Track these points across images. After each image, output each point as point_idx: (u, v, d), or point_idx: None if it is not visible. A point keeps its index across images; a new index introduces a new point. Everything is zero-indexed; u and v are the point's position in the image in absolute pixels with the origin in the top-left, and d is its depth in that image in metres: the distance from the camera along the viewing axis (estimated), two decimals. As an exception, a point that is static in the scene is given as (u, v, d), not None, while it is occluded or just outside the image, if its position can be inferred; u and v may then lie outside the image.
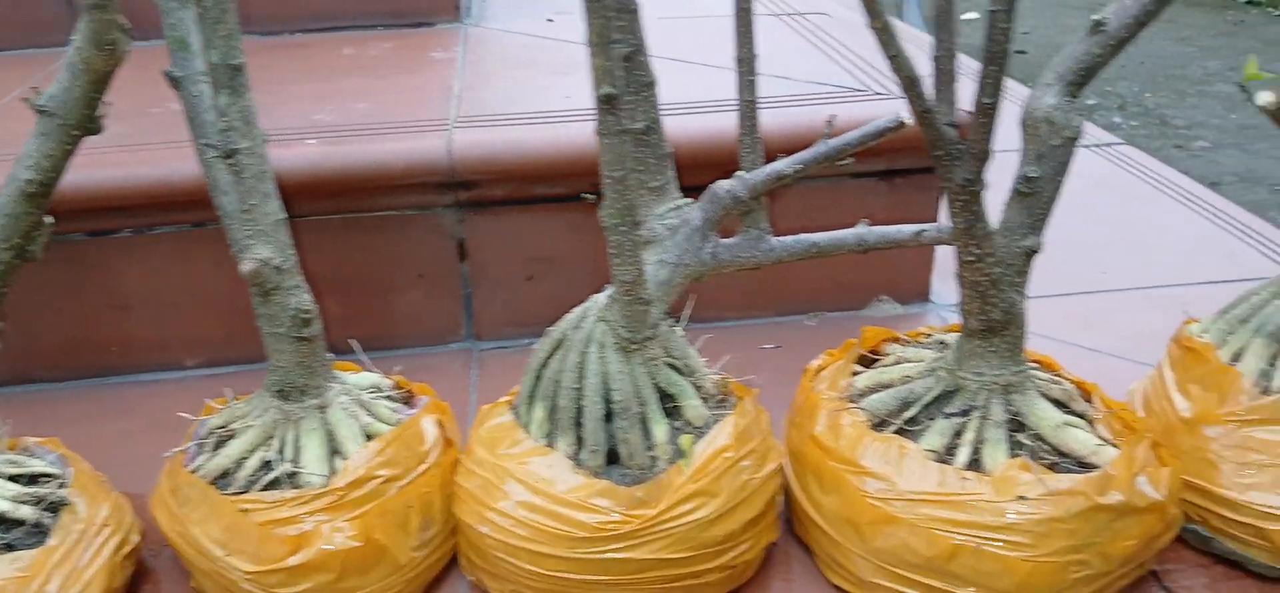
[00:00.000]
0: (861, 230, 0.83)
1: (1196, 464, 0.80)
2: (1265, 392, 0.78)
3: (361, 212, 1.05)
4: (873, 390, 0.82)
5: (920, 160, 1.13)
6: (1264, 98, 0.66)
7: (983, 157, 0.66)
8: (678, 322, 0.82)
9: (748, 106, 0.75)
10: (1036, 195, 0.71)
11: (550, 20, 1.52)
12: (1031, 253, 0.73)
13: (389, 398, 0.85)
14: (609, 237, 0.70)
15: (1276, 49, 3.37)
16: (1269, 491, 0.76)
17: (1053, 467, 0.73)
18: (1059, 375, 0.83)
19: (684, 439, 0.74)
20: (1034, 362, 0.86)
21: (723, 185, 0.74)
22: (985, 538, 0.70)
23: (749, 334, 1.15)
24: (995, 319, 0.74)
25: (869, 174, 1.12)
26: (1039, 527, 0.69)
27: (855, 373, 0.85)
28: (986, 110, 0.64)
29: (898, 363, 0.85)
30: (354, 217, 1.05)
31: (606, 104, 0.65)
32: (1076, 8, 3.99)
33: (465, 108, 1.13)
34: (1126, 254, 1.32)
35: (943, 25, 0.65)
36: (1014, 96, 1.81)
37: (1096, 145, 1.70)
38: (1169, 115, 2.72)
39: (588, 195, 0.72)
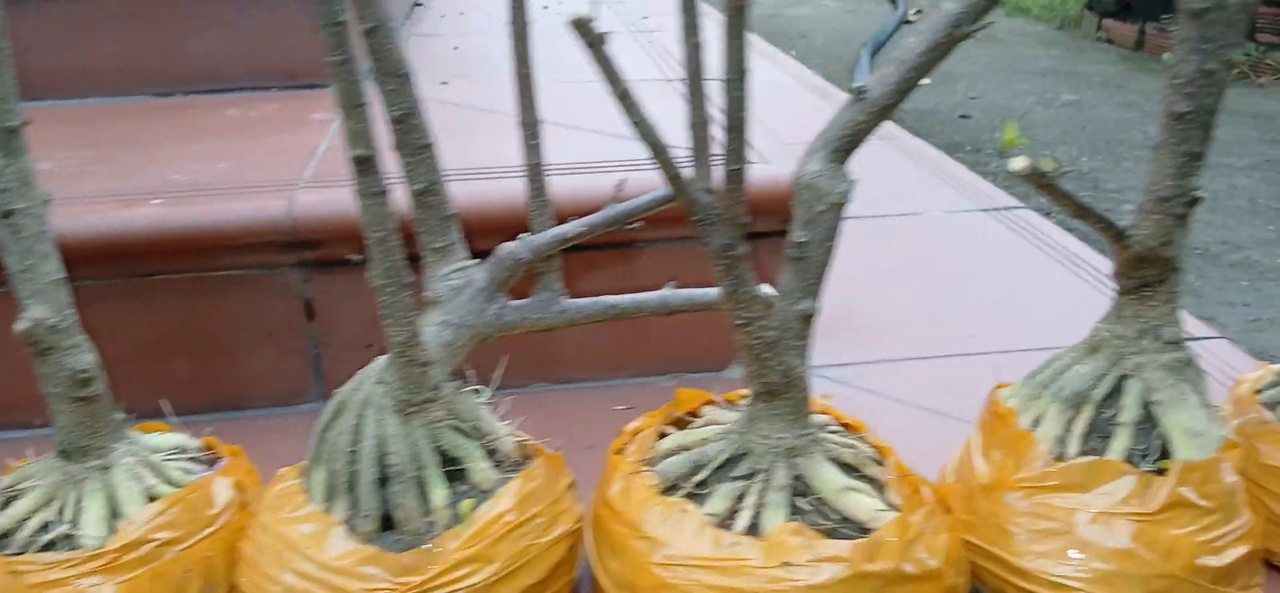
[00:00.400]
0: (666, 293, 0.83)
1: (992, 531, 0.79)
2: (1060, 458, 0.78)
3: (207, 271, 1.05)
4: (673, 454, 0.81)
5: (777, 222, 1.13)
6: (1017, 164, 0.66)
7: (737, 222, 0.66)
8: (485, 385, 0.82)
9: (533, 170, 0.75)
10: (807, 261, 0.71)
11: (444, 83, 1.54)
12: (807, 317, 0.73)
13: (192, 459, 0.84)
14: (378, 297, 0.70)
15: (1222, 113, 3.41)
16: (1058, 559, 0.75)
17: (832, 532, 0.73)
18: (862, 438, 0.83)
19: (464, 504, 0.74)
20: (842, 425, 0.86)
21: (506, 247, 0.75)
22: (752, 605, 0.69)
23: (604, 396, 1.15)
24: (774, 383, 0.74)
25: (674, 239, 1.13)
26: (803, 593, 0.69)
27: (664, 435, 0.85)
28: (734, 177, 0.65)
29: (707, 425, 0.85)
30: (201, 276, 1.06)
31: (360, 166, 0.65)
32: (1027, 73, 4.04)
33: (325, 168, 1.14)
34: (1001, 319, 1.33)
35: (694, 95, 0.66)
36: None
37: (995, 210, 1.72)
38: (1102, 179, 2.75)
39: (353, 258, 0.72)
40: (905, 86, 0.68)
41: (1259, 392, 0.90)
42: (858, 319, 1.32)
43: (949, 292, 1.41)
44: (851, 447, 0.80)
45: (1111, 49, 4.66)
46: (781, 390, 0.74)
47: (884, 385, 1.16)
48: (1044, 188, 0.68)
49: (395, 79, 0.69)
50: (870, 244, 1.57)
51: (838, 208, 0.70)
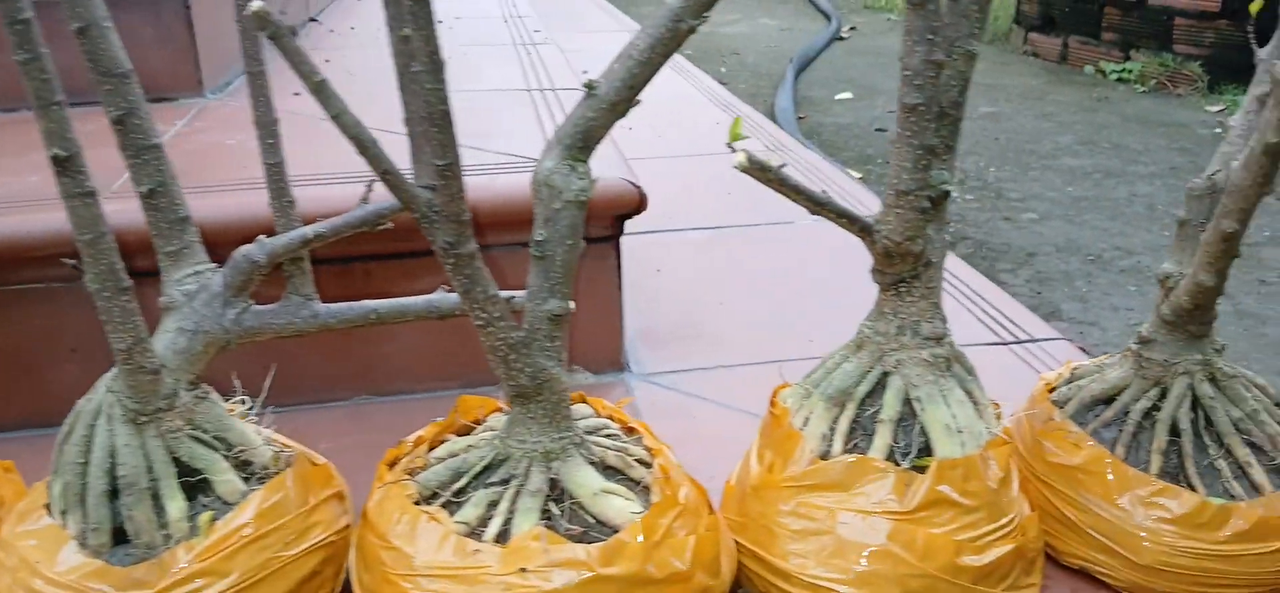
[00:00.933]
0: (436, 297, 0.81)
1: (757, 532, 0.78)
2: (825, 456, 0.77)
3: (8, 285, 1.02)
4: (440, 462, 0.79)
5: (600, 229, 1.12)
6: (737, 160, 0.65)
7: (457, 219, 0.65)
8: (252, 398, 0.80)
9: (272, 169, 0.73)
10: (550, 259, 0.70)
11: (296, 94, 1.51)
12: (556, 317, 0.72)
13: (-50, 477, 0.81)
14: (96, 302, 0.67)
15: (1132, 123, 3.45)
16: (818, 561, 0.74)
17: (583, 536, 0.71)
18: (639, 440, 0.82)
19: (203, 517, 0.71)
20: (626, 428, 0.84)
21: (242, 250, 0.73)
22: (488, 612, 0.67)
23: (432, 407, 1.12)
24: (524, 385, 0.72)
25: (519, 244, 1.11)
26: (537, 600, 0.67)
27: (436, 445, 0.83)
28: (446, 172, 0.63)
29: (486, 432, 0.83)
30: (1, 290, 1.02)
31: (59, 166, 0.63)
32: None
33: (140, 179, 1.11)
34: (846, 325, 1.32)
35: (405, 87, 0.64)
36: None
37: (868, 216, 1.72)
38: (1007, 189, 2.77)
39: (67, 261, 0.69)
40: (635, 82, 0.67)
41: (1052, 389, 0.90)
42: (702, 327, 1.31)
43: (800, 299, 1.40)
44: (620, 450, 0.78)
45: (1037, 62, 4.72)
46: (533, 393, 0.73)
47: (714, 391, 1.15)
48: (768, 181, 0.67)
49: (112, 79, 0.67)
50: (736, 253, 1.57)
51: (576, 205, 0.69)
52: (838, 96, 4.03)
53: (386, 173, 0.63)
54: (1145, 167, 2.98)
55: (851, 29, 5.77)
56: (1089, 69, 4.42)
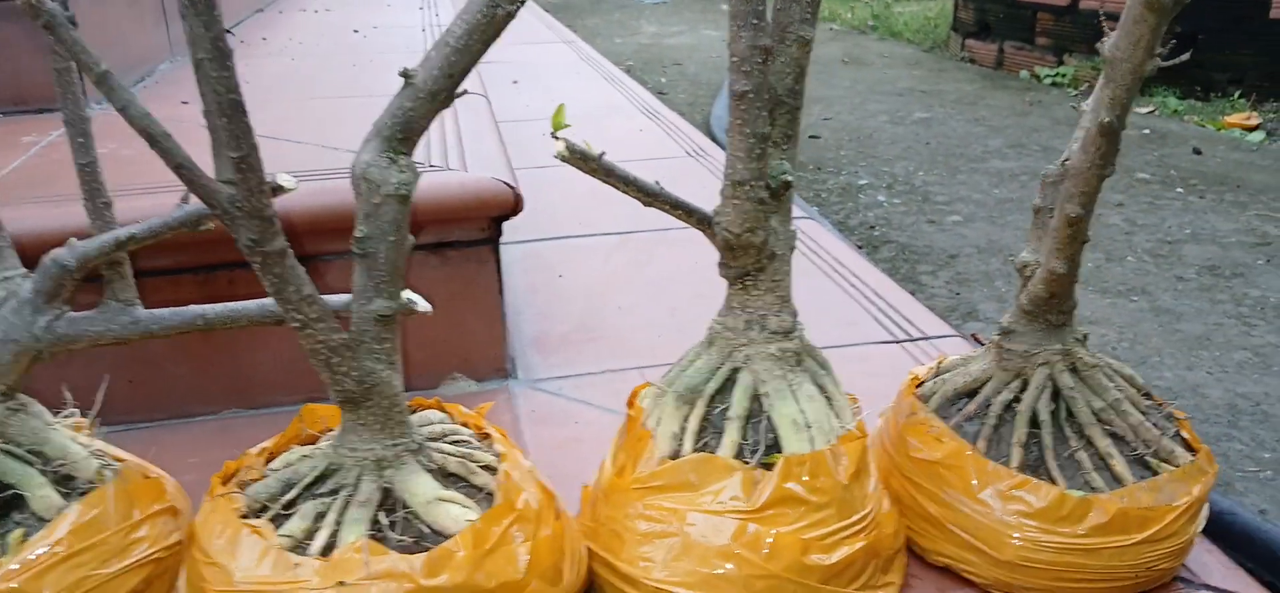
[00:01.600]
0: (268, 302, 0.78)
1: (607, 536, 0.75)
2: (675, 456, 0.75)
3: None
4: (274, 474, 0.76)
5: (476, 232, 1.09)
6: (557, 149, 0.63)
7: (260, 215, 0.62)
8: (87, 411, 0.76)
9: (84, 170, 0.70)
10: (373, 256, 0.67)
11: (185, 102, 1.47)
12: (383, 318, 0.69)
13: None
14: (-121, 313, 0.63)
15: (1062, 125, 3.49)
16: (663, 564, 0.72)
17: (416, 545, 0.68)
18: (490, 445, 0.79)
19: (14, 535, 0.68)
20: (481, 435, 0.82)
21: (51, 254, 0.69)
22: (307, 629, 0.64)
23: (305, 419, 1.09)
24: (350, 390, 0.69)
25: (419, 247, 1.08)
26: (358, 614, 0.64)
27: (276, 456, 0.79)
28: (242, 165, 0.60)
29: (328, 441, 0.80)
30: None
31: None
32: (885, 94, 4.10)
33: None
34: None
35: (204, 80, 0.61)
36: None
37: (778, 219, 1.70)
38: (934, 193, 2.78)
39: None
40: (453, 70, 0.64)
41: (920, 384, 0.89)
42: (598, 331, 1.29)
43: (701, 301, 1.38)
44: (464, 456, 0.76)
45: (973, 68, 4.77)
46: (362, 399, 0.70)
47: (601, 396, 1.13)
48: (591, 171, 0.65)
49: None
50: (643, 256, 1.55)
51: (397, 199, 0.66)
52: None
53: (180, 167, 0.60)
54: (1072, 168, 3.01)
55: (794, 38, 5.79)
56: (1024, 74, 4.47)
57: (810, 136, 3.43)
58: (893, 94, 4.10)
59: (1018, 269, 0.82)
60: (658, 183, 0.69)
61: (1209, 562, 0.84)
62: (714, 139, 3.16)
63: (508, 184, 1.07)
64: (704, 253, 1.57)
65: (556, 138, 0.64)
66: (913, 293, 2.04)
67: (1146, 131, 3.41)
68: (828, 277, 1.46)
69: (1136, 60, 0.66)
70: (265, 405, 1.10)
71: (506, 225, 1.10)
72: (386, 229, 0.67)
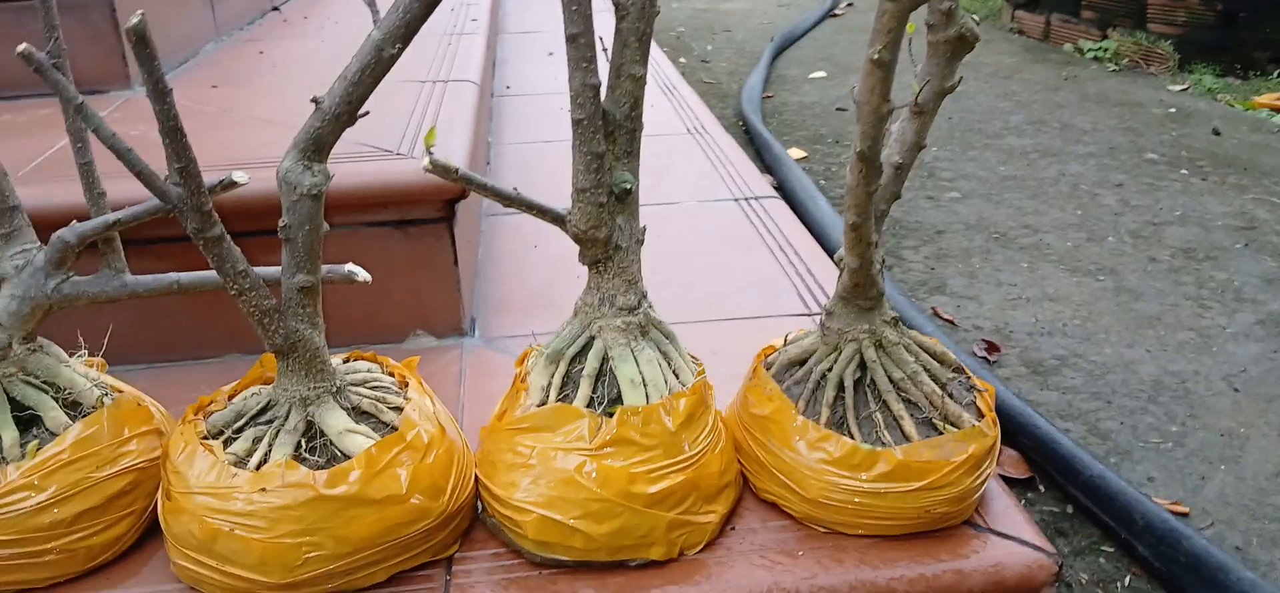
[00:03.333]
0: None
1: (488, 466, 0.95)
2: (542, 404, 0.94)
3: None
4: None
5: (433, 211, 1.29)
6: (425, 163, 0.82)
7: (200, 210, 0.82)
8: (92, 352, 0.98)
9: (82, 168, 0.91)
10: (294, 241, 0.87)
11: (214, 86, 1.69)
12: (305, 288, 0.89)
13: None
14: (-69, 275, 0.86)
15: (1090, 102, 3.53)
16: (524, 489, 0.91)
17: (328, 465, 0.89)
18: (404, 390, 0.99)
19: (31, 444, 0.90)
20: (402, 382, 1.01)
21: (57, 233, 0.91)
22: (235, 522, 0.85)
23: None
24: (278, 344, 0.89)
25: (384, 223, 1.28)
26: (272, 513, 0.84)
27: (238, 391, 1.00)
28: (183, 172, 0.80)
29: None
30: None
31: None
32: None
33: (46, 165, 1.30)
34: (692, 298, 1.48)
35: (157, 94, 0.81)
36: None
37: (747, 199, 1.87)
38: (941, 169, 2.88)
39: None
40: (351, 99, 0.83)
41: (769, 354, 1.06)
42: (556, 297, 1.48)
43: (657, 274, 1.56)
44: (377, 398, 0.96)
45: (1020, 40, 4.78)
46: (289, 351, 0.90)
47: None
48: (456, 180, 0.83)
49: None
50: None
51: (310, 197, 0.85)
52: (811, 75, 4.14)
53: (139, 173, 0.80)
54: (1084, 147, 3.08)
55: (849, 4, 5.85)
56: (1068, 47, 4.48)
57: (837, 109, 3.54)
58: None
59: (835, 263, 0.98)
60: (515, 189, 0.87)
61: (998, 509, 0.99)
62: (743, 118, 3.31)
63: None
64: (667, 232, 1.74)
65: (428, 152, 0.83)
66: (890, 268, 2.19)
67: (1172, 110, 3.44)
68: (772, 253, 1.62)
69: (874, 105, 0.81)
70: (258, 351, 1.32)
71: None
72: (303, 220, 0.86)
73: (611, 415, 0.91)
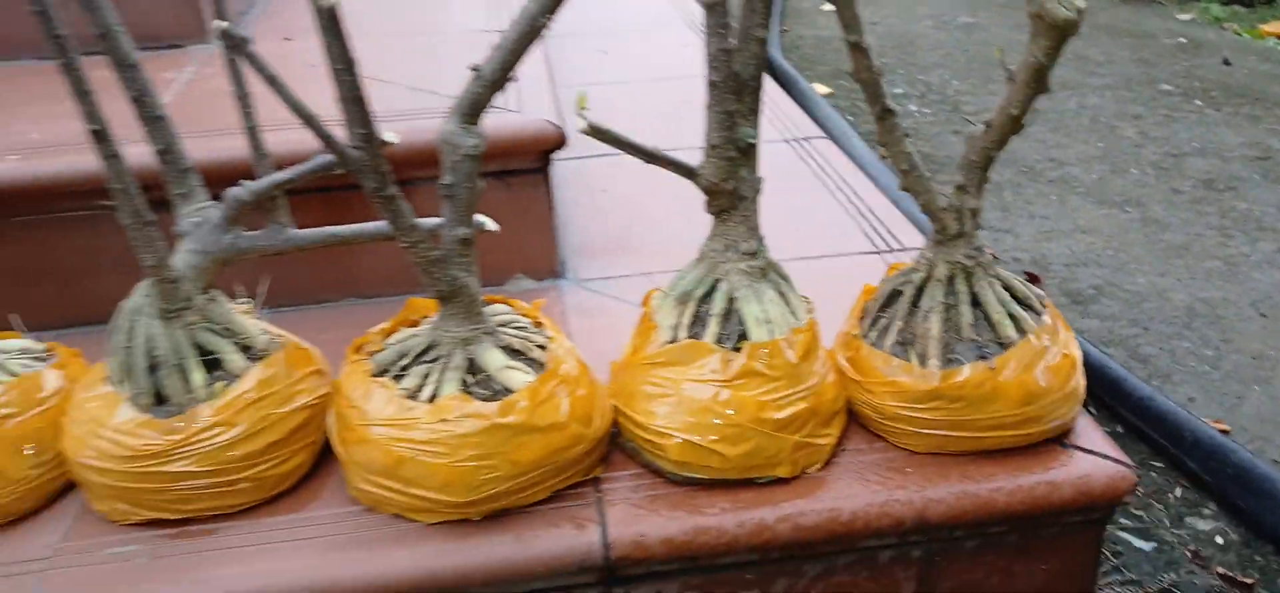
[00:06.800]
0: (381, 223, 1.07)
1: (626, 397, 1.05)
2: (673, 341, 1.04)
3: (62, 212, 1.30)
4: (391, 347, 1.07)
5: (531, 162, 1.38)
6: (579, 124, 0.91)
7: (377, 172, 0.91)
8: (251, 298, 1.08)
9: (252, 132, 1.00)
10: (455, 198, 0.96)
11: (287, 39, 1.76)
12: (464, 240, 0.98)
13: (36, 358, 1.10)
14: (128, 233, 0.94)
15: (1100, 32, 3.61)
16: (663, 417, 1.01)
17: (492, 397, 0.99)
18: (542, 330, 1.08)
19: (218, 385, 1.00)
20: (536, 323, 1.11)
21: (231, 192, 0.99)
22: (419, 449, 0.95)
23: (402, 306, 1.40)
24: (443, 291, 0.99)
25: (488, 174, 1.37)
26: (454, 441, 0.95)
27: (390, 335, 1.10)
28: (366, 138, 0.88)
29: (427, 325, 1.10)
30: (56, 216, 1.30)
31: (95, 138, 0.89)
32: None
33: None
34: (753, 235, 1.57)
35: (337, 58, 0.89)
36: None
37: (797, 139, 1.95)
38: (964, 102, 2.97)
39: (103, 204, 0.95)
40: (506, 65, 0.91)
41: (871, 293, 1.15)
42: (634, 241, 1.57)
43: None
44: (524, 338, 1.06)
45: (1027, -30, 4.83)
46: (451, 296, 1.00)
47: (634, 294, 1.41)
48: (608, 141, 0.92)
49: (127, 69, 0.93)
50: (670, 177, 1.81)
51: (470, 158, 0.94)
52: (823, 7, 4.19)
53: (325, 138, 0.89)
54: (1100, 78, 3.16)
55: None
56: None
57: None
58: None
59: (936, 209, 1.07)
60: (656, 148, 0.96)
61: (1081, 427, 1.10)
62: (770, 63, 3.37)
63: (555, 125, 1.34)
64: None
65: (580, 115, 0.92)
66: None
67: (1182, 41, 3.52)
68: (831, 194, 1.71)
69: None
70: (373, 296, 1.41)
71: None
72: (463, 179, 0.95)
73: (738, 350, 1.01)
